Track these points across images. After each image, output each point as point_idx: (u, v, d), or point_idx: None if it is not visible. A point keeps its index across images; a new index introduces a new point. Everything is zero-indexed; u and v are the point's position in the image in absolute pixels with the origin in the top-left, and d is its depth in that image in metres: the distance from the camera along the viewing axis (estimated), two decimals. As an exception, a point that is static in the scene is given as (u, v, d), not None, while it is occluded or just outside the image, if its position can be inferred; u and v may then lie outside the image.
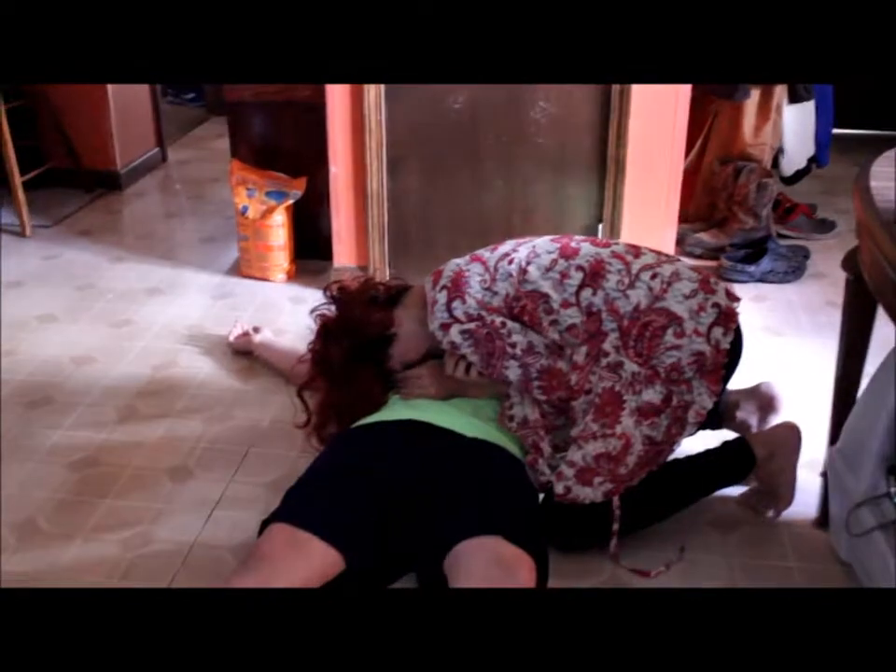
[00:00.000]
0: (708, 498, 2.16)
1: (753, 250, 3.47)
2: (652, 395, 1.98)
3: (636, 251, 2.10)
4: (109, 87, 4.27)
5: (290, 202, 3.36)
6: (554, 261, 2.06)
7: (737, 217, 3.58)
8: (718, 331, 1.99)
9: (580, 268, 2.04)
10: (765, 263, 3.39)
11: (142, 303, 3.26)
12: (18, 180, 3.83)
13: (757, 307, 3.21)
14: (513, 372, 2.04)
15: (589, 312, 2.01)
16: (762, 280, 3.39)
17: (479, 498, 1.85)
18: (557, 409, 2.08)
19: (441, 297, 2.06)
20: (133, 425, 2.53)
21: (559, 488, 1.99)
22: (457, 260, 2.13)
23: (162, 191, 4.62)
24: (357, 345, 2.17)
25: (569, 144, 3.09)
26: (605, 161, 3.08)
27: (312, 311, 2.31)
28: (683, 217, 3.50)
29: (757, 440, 2.15)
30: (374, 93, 3.03)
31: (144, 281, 3.45)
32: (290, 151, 3.48)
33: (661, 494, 2.05)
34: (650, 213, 3.13)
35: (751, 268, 3.39)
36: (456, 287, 2.06)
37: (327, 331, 2.22)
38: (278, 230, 3.38)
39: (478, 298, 2.05)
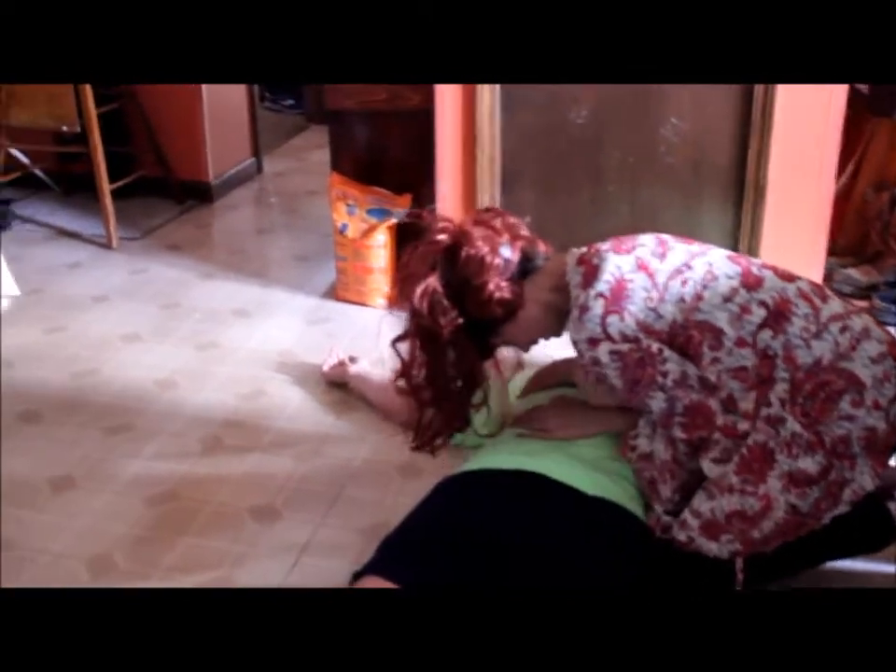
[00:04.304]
0: (848, 575, 2.11)
1: (911, 289, 3.37)
2: (810, 463, 1.89)
3: (821, 293, 1.99)
4: (204, 89, 4.35)
5: (393, 220, 3.38)
6: (735, 290, 1.95)
7: (893, 252, 3.48)
8: None
9: (763, 304, 1.94)
10: (925, 304, 3.29)
11: (229, 325, 3.32)
12: (107, 188, 3.94)
13: (914, 354, 3.10)
14: (657, 404, 1.97)
15: (764, 355, 1.92)
16: (920, 324, 3.28)
17: (588, 568, 1.83)
18: (692, 450, 2.02)
19: (596, 306, 1.95)
20: (216, 457, 2.57)
21: (682, 536, 1.96)
22: (618, 260, 1.97)
23: (256, 205, 4.72)
24: (474, 318, 2.04)
25: (703, 165, 3.05)
26: (743, 185, 3.02)
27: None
28: (831, 250, 3.41)
29: None
30: (488, 101, 3.03)
31: (232, 300, 3.51)
32: (395, 165, 3.52)
33: (785, 555, 1.97)
34: (793, 244, 3.05)
35: (908, 309, 3.29)
36: (616, 300, 1.94)
37: (435, 292, 2.02)
38: (379, 250, 3.40)
39: (639, 318, 1.95)
